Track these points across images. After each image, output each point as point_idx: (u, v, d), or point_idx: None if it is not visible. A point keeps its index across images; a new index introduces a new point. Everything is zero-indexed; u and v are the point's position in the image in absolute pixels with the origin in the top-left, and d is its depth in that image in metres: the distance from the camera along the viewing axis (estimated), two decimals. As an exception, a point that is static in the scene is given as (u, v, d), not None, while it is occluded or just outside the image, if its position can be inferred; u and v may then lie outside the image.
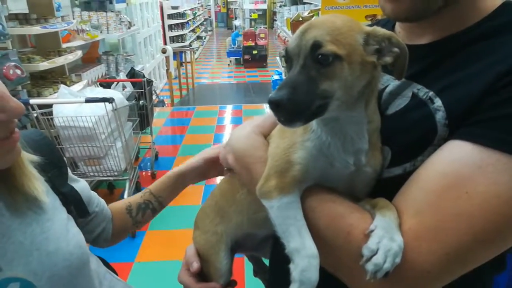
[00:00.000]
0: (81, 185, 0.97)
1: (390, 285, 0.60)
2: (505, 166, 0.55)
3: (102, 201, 1.08)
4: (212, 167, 1.10)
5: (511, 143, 0.56)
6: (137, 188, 3.91)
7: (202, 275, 0.97)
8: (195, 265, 0.95)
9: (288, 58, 0.64)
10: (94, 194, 1.05)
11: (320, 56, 0.60)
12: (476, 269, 0.60)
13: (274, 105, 0.59)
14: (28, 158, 0.79)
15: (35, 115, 2.95)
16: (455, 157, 0.59)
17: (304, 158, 0.67)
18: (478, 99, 0.60)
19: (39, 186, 0.78)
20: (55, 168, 0.89)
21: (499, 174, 0.55)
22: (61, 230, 0.79)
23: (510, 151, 0.55)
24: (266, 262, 1.08)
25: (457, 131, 0.62)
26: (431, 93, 0.66)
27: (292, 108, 0.58)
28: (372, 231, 0.60)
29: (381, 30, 0.64)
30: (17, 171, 0.74)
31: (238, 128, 0.86)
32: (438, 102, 0.65)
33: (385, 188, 0.68)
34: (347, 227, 0.63)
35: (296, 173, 0.67)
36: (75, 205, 0.91)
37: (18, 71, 2.97)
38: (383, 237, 0.58)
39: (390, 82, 0.75)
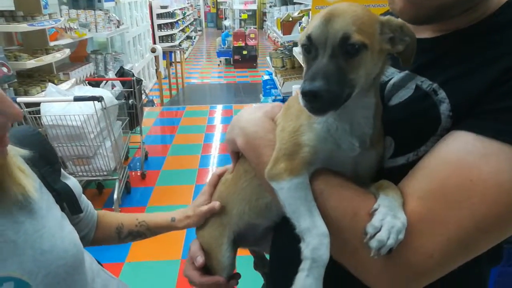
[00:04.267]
0: (72, 183, 0.96)
1: (394, 268, 0.61)
2: (508, 156, 0.56)
3: (91, 206, 1.07)
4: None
5: None
6: (127, 188, 3.87)
7: (207, 269, 0.98)
8: (200, 259, 0.96)
9: (311, 46, 0.63)
10: (83, 197, 1.03)
11: (349, 46, 0.60)
12: (474, 260, 0.61)
13: (311, 96, 0.58)
14: (19, 153, 0.77)
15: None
16: (460, 146, 0.60)
17: (313, 139, 0.68)
18: (482, 92, 0.61)
19: (29, 183, 0.76)
20: (48, 164, 0.87)
21: (502, 164, 0.56)
22: (55, 228, 0.77)
23: None
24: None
25: (461, 122, 0.62)
26: (435, 85, 0.67)
27: (328, 98, 0.58)
28: (376, 210, 0.61)
29: (395, 20, 0.65)
30: (5, 169, 0.71)
31: (245, 112, 0.86)
32: (442, 94, 0.66)
33: (389, 178, 0.69)
34: (353, 208, 0.64)
35: (305, 154, 0.67)
36: (68, 202, 0.90)
37: (5, 69, 2.92)
38: (386, 215, 0.59)
39: (394, 75, 0.76)
